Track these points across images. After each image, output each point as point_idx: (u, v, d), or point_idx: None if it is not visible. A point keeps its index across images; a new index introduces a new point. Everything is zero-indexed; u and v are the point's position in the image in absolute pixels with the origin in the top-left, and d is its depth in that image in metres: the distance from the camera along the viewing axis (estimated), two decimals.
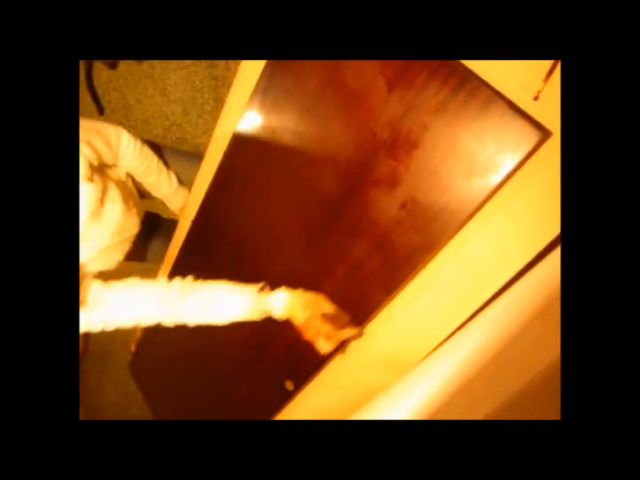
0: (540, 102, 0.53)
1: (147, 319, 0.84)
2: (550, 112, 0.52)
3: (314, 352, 0.87)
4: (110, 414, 2.84)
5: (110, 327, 0.82)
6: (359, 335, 0.76)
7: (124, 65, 2.11)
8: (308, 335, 0.78)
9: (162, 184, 1.08)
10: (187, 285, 0.86)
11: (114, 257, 1.01)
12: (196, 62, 1.84)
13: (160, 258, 1.27)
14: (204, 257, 1.11)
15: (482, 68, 0.56)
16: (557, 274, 0.50)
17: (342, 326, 0.75)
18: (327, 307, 0.78)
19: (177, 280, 0.87)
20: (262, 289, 0.83)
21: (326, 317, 0.75)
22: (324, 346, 0.76)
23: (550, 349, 0.46)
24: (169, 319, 0.84)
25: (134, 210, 1.01)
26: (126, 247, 1.03)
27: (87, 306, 0.77)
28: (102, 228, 0.90)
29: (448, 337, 0.66)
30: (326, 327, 0.74)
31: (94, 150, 0.85)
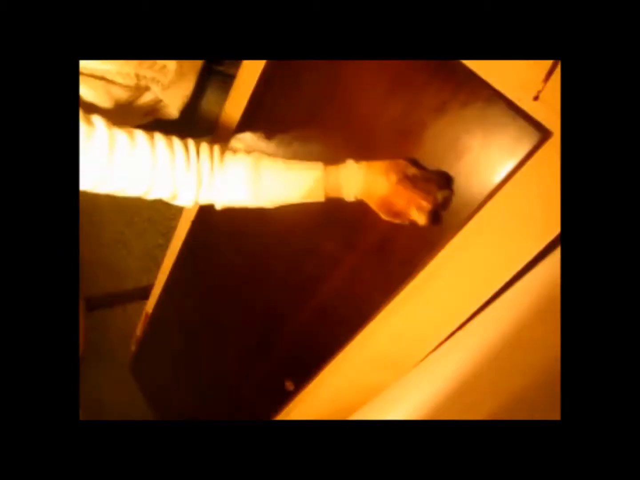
0: (540, 102, 0.53)
1: (161, 186, 0.61)
2: (550, 112, 0.52)
3: (314, 352, 0.87)
4: (110, 414, 2.84)
5: (109, 187, 0.60)
6: (451, 195, 0.62)
7: None
8: (398, 206, 0.61)
9: None
10: (231, 152, 0.66)
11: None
12: None
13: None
14: (203, 259, 1.11)
15: (482, 68, 0.56)
16: (557, 274, 0.50)
17: (435, 188, 0.60)
18: (412, 169, 0.62)
19: (216, 147, 0.65)
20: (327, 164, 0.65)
21: (414, 181, 0.60)
22: (420, 217, 0.60)
23: (550, 349, 0.46)
24: (193, 191, 0.63)
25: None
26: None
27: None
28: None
29: (448, 337, 0.67)
30: (417, 193, 0.59)
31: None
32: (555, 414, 0.37)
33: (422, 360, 0.69)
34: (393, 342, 0.75)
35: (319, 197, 0.65)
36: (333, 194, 0.65)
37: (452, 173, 0.60)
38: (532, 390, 0.49)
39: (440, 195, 0.60)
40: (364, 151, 0.69)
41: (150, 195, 0.62)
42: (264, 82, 0.81)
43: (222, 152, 0.64)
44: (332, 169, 0.64)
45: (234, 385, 1.11)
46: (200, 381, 1.24)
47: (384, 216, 0.63)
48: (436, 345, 0.68)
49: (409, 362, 0.71)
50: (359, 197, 0.64)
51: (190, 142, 0.63)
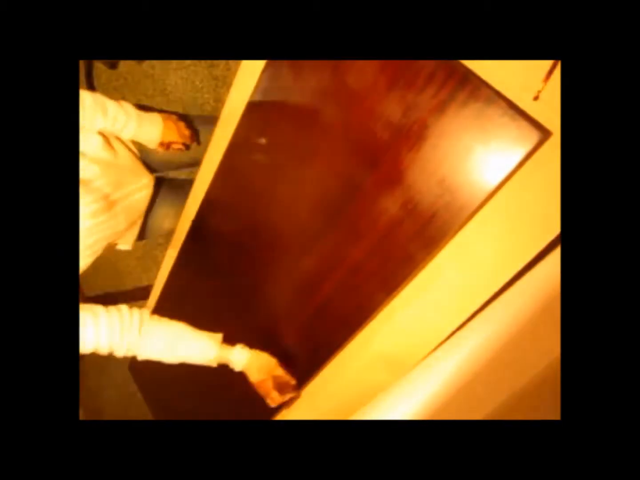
0: (540, 102, 0.53)
1: (103, 349, 0.83)
2: (550, 112, 0.52)
3: (314, 353, 0.87)
4: (110, 414, 2.84)
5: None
6: (298, 396, 0.94)
7: (124, 65, 2.11)
8: (259, 392, 0.92)
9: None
10: (149, 321, 0.89)
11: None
12: (196, 62, 1.84)
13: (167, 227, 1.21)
14: (203, 259, 1.11)
15: (482, 68, 0.56)
16: (557, 274, 0.50)
17: (288, 390, 0.91)
18: (279, 371, 0.92)
19: (138, 313, 0.88)
20: (223, 341, 0.93)
21: (276, 381, 0.91)
22: (271, 403, 0.91)
23: (550, 349, 0.46)
24: (122, 351, 0.85)
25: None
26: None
27: None
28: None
29: (448, 337, 0.66)
30: (274, 393, 0.89)
31: None
32: (555, 414, 0.37)
33: (422, 360, 0.69)
34: (393, 342, 0.75)
35: (212, 364, 0.92)
36: (224, 364, 0.92)
37: (452, 173, 0.61)
38: (532, 390, 0.49)
39: (290, 396, 0.91)
40: (363, 151, 0.69)
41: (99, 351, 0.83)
42: (264, 83, 0.81)
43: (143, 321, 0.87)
44: (226, 350, 0.91)
45: (234, 384, 1.11)
46: (200, 381, 1.24)
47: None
48: (436, 345, 0.68)
49: (409, 362, 0.71)
50: (239, 369, 0.93)
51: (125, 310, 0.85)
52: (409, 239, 0.67)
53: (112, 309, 0.84)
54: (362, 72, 0.67)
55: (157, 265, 1.35)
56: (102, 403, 2.93)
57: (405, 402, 0.56)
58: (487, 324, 0.58)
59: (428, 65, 0.60)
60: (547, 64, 0.51)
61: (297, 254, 0.85)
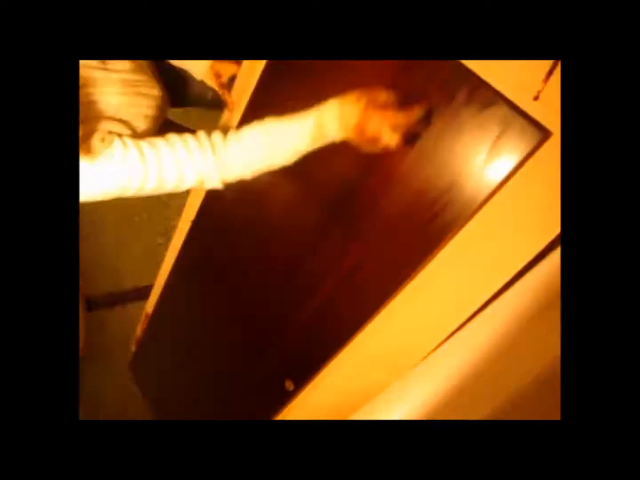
0: (540, 102, 0.53)
1: (190, 179, 0.73)
2: (550, 112, 0.52)
3: (314, 352, 0.87)
4: (110, 414, 2.84)
5: (148, 188, 0.72)
6: (428, 116, 0.61)
7: None
8: (371, 129, 0.60)
9: None
10: (232, 134, 0.76)
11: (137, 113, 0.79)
12: None
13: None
14: (204, 258, 1.11)
15: (482, 68, 0.56)
16: (557, 274, 0.50)
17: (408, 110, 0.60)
18: (383, 94, 0.61)
19: (218, 133, 0.76)
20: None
21: (387, 104, 0.61)
22: (392, 137, 0.59)
23: (550, 349, 0.46)
24: (215, 175, 0.74)
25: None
26: (149, 105, 0.81)
27: (114, 162, 0.68)
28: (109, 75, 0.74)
29: (448, 337, 0.66)
30: (389, 113, 0.60)
31: None
32: (555, 414, 0.37)
33: (422, 360, 0.69)
34: (393, 342, 0.75)
35: (313, 146, 0.68)
36: (322, 136, 0.67)
37: (452, 173, 0.61)
38: (532, 390, 0.49)
39: (416, 114, 0.59)
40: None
41: (182, 186, 0.74)
42: (264, 83, 0.81)
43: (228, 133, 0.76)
44: (314, 112, 0.67)
45: (234, 385, 1.11)
46: (200, 381, 1.24)
47: (363, 147, 0.63)
48: (436, 345, 0.68)
49: (409, 362, 0.71)
50: (340, 132, 0.64)
51: (200, 131, 0.75)
52: (409, 239, 0.67)
53: (188, 136, 0.74)
54: (362, 72, 0.67)
55: (157, 265, 1.35)
56: (102, 403, 2.93)
57: (405, 402, 0.56)
58: (487, 324, 0.58)
59: (428, 65, 0.60)
60: (547, 64, 0.51)
61: (298, 254, 0.85)
